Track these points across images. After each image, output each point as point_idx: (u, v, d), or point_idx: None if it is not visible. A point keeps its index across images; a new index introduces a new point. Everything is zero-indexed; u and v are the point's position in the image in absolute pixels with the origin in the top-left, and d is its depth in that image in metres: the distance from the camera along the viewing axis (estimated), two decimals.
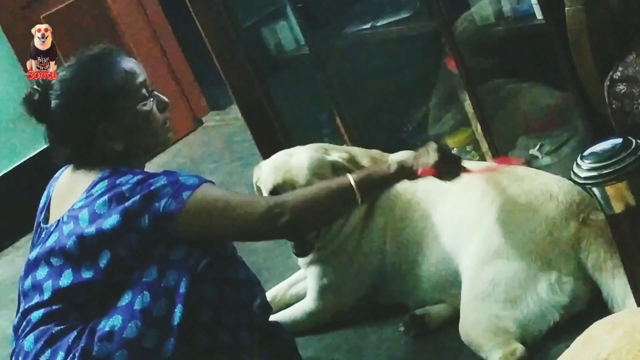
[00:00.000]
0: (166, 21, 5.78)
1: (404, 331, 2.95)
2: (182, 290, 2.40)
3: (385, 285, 3.08)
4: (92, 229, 2.41)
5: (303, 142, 3.90)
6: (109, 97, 2.52)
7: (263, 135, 4.08)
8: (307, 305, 3.15)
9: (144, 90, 2.58)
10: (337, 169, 3.02)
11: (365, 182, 2.54)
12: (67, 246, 2.44)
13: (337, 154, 3.08)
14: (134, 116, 2.55)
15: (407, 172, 2.61)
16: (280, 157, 3.10)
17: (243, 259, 2.65)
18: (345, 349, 3.03)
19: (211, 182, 2.49)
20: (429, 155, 2.59)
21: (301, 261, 3.18)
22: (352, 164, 3.04)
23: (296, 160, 3.04)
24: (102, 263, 2.41)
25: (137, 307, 2.37)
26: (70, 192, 2.56)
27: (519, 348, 2.53)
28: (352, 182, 2.51)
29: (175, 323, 2.38)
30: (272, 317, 2.87)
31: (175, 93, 5.81)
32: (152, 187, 2.41)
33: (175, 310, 2.38)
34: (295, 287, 3.34)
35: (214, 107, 5.93)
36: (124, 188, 2.43)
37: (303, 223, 2.54)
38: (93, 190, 2.48)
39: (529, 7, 3.02)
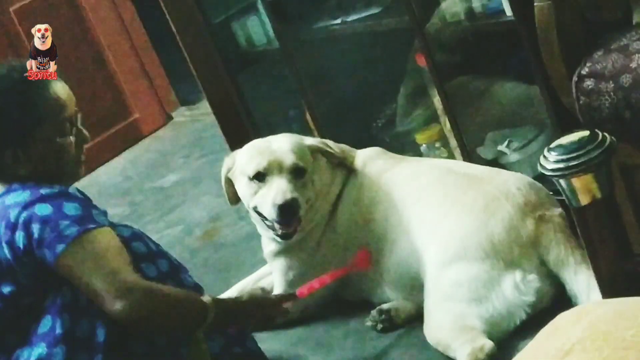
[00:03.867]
0: (136, 15, 5.76)
1: (370, 325, 2.95)
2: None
3: (349, 281, 3.08)
4: None
5: None
6: (28, 125, 2.45)
7: (233, 131, 4.06)
8: None
9: (67, 125, 2.50)
10: (314, 152, 3.06)
11: (221, 305, 2.49)
12: None
13: (310, 139, 3.14)
14: (47, 148, 2.48)
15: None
16: (259, 143, 3.11)
17: (165, 251, 2.61)
18: (312, 343, 3.03)
19: (99, 225, 2.38)
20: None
21: (267, 253, 3.17)
22: (325, 146, 3.08)
23: (277, 145, 3.05)
24: (6, 290, 2.37)
25: (58, 331, 2.34)
26: None
27: (488, 343, 2.53)
28: (209, 301, 2.44)
29: (101, 340, 2.35)
30: None
31: (145, 88, 5.80)
32: (34, 226, 2.33)
33: (98, 327, 2.35)
34: (262, 282, 3.33)
35: (183, 102, 5.91)
36: (11, 212, 2.36)
37: (154, 322, 2.37)
38: None
39: (499, 3, 3.03)
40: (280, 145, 3.04)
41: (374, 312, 2.95)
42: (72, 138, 2.51)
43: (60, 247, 2.31)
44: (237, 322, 2.61)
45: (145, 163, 5.38)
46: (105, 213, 2.48)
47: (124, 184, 5.12)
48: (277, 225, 2.99)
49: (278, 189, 2.95)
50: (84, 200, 2.44)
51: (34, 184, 2.42)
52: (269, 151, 3.02)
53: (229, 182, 3.14)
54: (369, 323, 2.96)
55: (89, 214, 2.39)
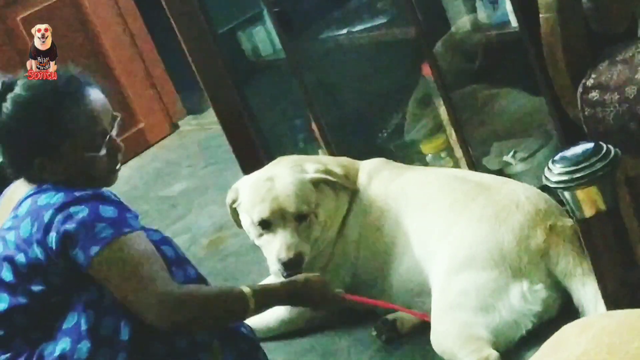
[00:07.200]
0: (143, 25, 5.77)
1: (375, 335, 2.96)
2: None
3: (356, 291, 3.08)
4: (21, 257, 2.35)
5: (279, 147, 3.93)
6: (54, 138, 2.40)
7: (239, 140, 4.08)
8: (280, 312, 3.13)
9: (98, 139, 2.45)
10: (317, 184, 3.04)
11: (260, 294, 2.49)
12: (0, 271, 2.39)
13: (311, 166, 3.08)
14: (77, 160, 2.44)
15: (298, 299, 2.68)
16: (261, 184, 3.05)
17: (189, 260, 2.58)
18: (317, 353, 3.04)
19: (133, 229, 2.36)
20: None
21: (273, 272, 3.15)
22: (328, 174, 3.06)
23: (280, 187, 3.01)
24: (36, 289, 2.35)
25: (83, 327, 2.33)
26: (7, 207, 2.50)
27: (493, 354, 2.53)
28: (248, 291, 2.45)
29: (125, 338, 2.34)
30: (246, 322, 2.86)
31: (152, 97, 5.81)
32: (69, 227, 2.31)
33: (122, 325, 2.35)
34: None
35: (190, 111, 5.93)
36: (45, 213, 2.34)
37: (195, 325, 2.40)
38: (19, 210, 2.42)
39: (504, 14, 3.04)
40: (283, 188, 3.00)
41: (379, 322, 2.96)
42: (103, 152, 2.47)
43: (94, 250, 2.30)
44: (284, 305, 2.78)
45: (151, 172, 5.39)
46: (137, 217, 2.46)
47: (130, 193, 5.12)
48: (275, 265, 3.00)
49: (282, 243, 2.96)
50: (119, 203, 2.43)
51: (66, 187, 2.41)
52: (271, 197, 2.99)
53: (235, 211, 3.15)
54: (374, 333, 2.97)
55: (124, 218, 2.37)
